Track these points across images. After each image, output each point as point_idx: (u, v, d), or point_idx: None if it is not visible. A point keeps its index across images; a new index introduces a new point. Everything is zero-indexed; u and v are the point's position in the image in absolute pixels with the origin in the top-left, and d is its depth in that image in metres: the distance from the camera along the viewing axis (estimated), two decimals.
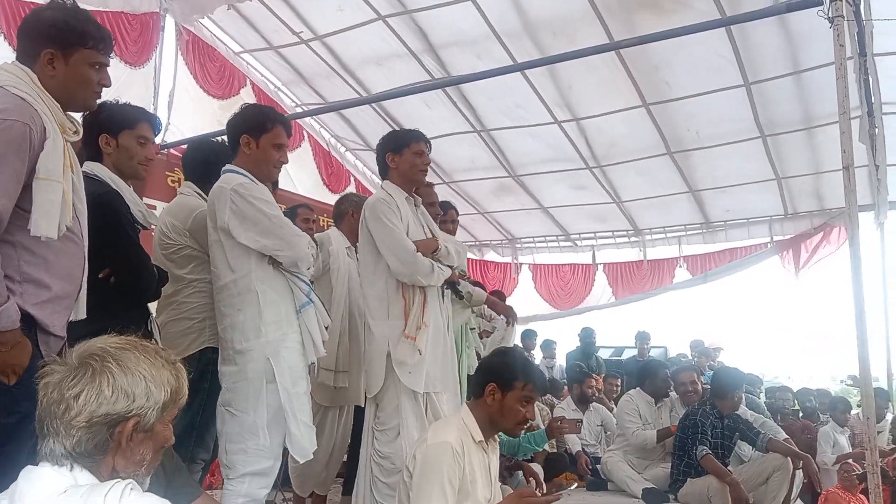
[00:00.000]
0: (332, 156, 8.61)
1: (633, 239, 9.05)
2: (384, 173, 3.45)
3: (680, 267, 8.79)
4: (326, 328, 2.83)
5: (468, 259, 10.10)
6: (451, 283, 3.31)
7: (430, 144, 3.48)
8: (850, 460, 6.09)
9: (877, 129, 6.31)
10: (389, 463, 2.98)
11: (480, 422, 2.52)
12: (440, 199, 4.29)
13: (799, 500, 6.53)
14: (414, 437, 2.88)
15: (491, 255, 10.21)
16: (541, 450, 5.30)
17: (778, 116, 6.62)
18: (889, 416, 6.93)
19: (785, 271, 8.42)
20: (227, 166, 2.78)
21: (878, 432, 6.77)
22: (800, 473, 5.34)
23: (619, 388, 7.18)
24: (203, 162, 3.13)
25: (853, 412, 6.86)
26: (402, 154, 3.34)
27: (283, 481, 3.68)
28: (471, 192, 8.87)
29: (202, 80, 7.03)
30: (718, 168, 7.46)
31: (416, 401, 3.04)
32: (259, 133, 2.77)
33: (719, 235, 8.45)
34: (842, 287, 8.31)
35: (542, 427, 5.01)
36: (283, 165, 2.85)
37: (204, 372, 2.82)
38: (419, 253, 3.10)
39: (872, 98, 5.82)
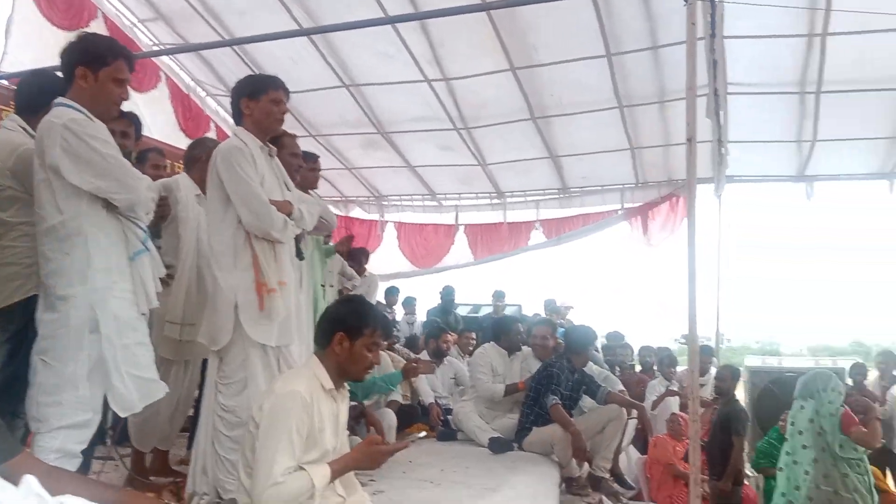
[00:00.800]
0: (191, 99, 8.17)
1: (494, 201, 9.27)
2: (238, 119, 3.29)
3: (536, 229, 9.13)
4: (164, 278, 2.69)
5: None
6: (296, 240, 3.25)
7: (289, 93, 3.36)
8: (678, 411, 6.68)
9: (721, 108, 6.80)
10: (233, 416, 2.92)
11: (329, 370, 2.51)
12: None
13: (632, 445, 7.10)
14: (262, 389, 2.82)
15: (357, 212, 10.13)
16: (394, 389, 5.43)
17: (635, 89, 6.95)
18: (713, 371, 7.58)
19: (633, 238, 8.97)
20: (59, 99, 2.54)
21: (702, 385, 7.45)
22: (633, 422, 5.80)
23: (475, 342, 7.40)
24: (39, 92, 2.82)
25: (679, 368, 7.47)
26: (259, 100, 3.19)
27: (120, 437, 3.51)
28: (338, 146, 8.72)
29: (46, 8, 6.42)
30: (577, 135, 7.75)
31: (266, 354, 2.98)
32: (98, 65, 2.55)
33: (575, 201, 8.83)
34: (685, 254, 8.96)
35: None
36: (133, 106, 2.65)
37: (30, 321, 2.61)
38: (274, 207, 3.00)
39: (719, 77, 6.24)
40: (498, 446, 5.13)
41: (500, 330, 5.91)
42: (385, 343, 4.77)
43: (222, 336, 2.94)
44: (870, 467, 5.15)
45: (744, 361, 9.06)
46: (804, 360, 10.01)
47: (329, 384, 2.49)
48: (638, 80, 6.77)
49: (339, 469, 2.45)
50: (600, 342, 9.58)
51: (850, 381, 7.72)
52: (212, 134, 8.13)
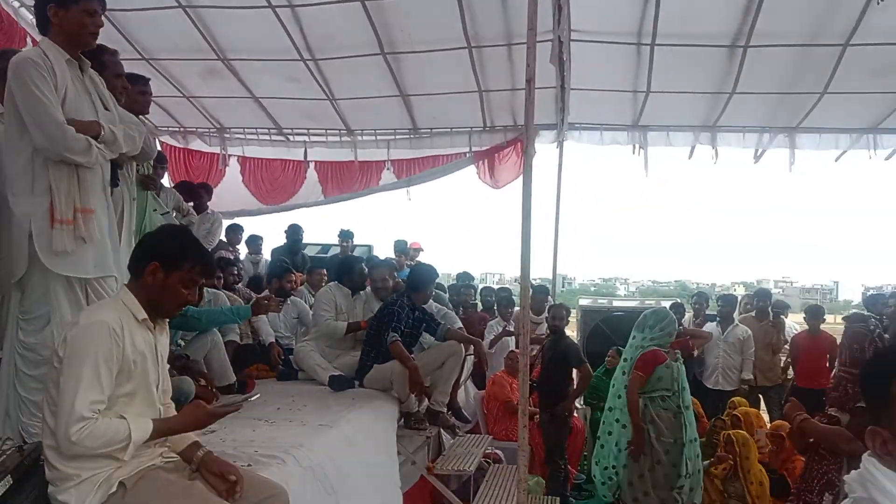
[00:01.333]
0: (1, 9, 7.24)
1: (344, 139, 9.06)
2: (44, 28, 2.95)
3: (387, 170, 9.04)
4: None
5: (169, 145, 9.37)
6: (114, 165, 2.98)
7: (105, 5, 3.05)
8: (516, 348, 6.98)
9: (566, 55, 6.96)
10: (35, 354, 2.68)
11: (141, 302, 2.34)
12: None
13: (470, 380, 7.38)
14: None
15: (197, 144, 9.54)
16: (240, 322, 5.29)
17: (485, 29, 6.94)
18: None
19: (482, 180, 9.12)
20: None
21: (538, 324, 7.83)
22: (472, 358, 5.98)
23: (326, 279, 7.31)
24: None
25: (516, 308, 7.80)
26: (69, 9, 2.87)
27: None
28: (175, 73, 8.10)
29: None
30: (428, 75, 7.67)
31: (71, 287, 2.74)
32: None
33: (425, 142, 8.80)
34: (541, 194, 9.23)
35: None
36: None
37: None
38: (72, 128, 2.71)
39: (563, 24, 6.37)
40: (338, 384, 5.14)
41: (344, 270, 5.88)
42: (207, 281, 4.56)
43: (18, 267, 2.67)
44: (684, 401, 5.61)
45: (578, 301, 9.61)
46: (634, 301, 10.76)
47: (142, 314, 2.32)
48: (486, 21, 6.75)
49: (163, 430, 2.31)
50: (448, 283, 9.81)
51: None
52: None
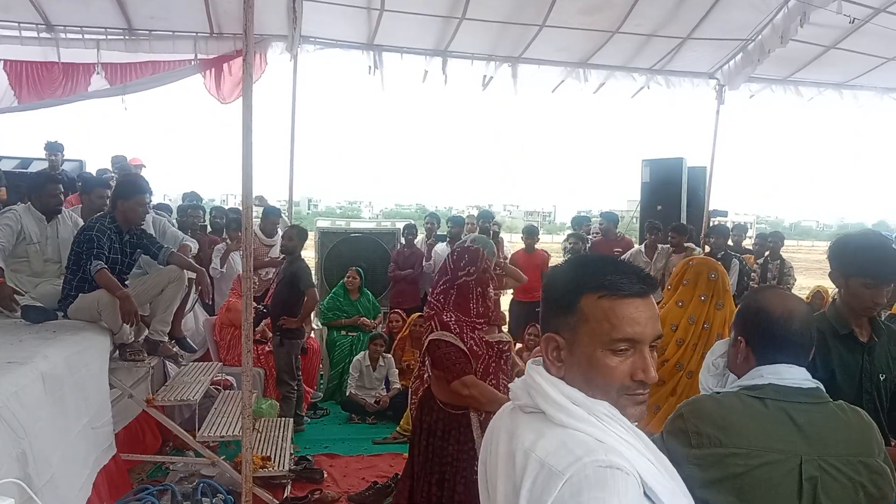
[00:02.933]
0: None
1: (43, 35, 7.77)
2: None
3: (98, 74, 7.97)
4: None
5: None
6: None
7: None
8: None
9: None
10: None
11: None
12: None
13: (200, 306, 7.01)
14: None
15: None
16: None
17: None
18: (280, 232, 7.78)
19: (209, 93, 8.46)
20: None
21: (272, 246, 7.65)
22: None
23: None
24: None
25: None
26: None
27: None
28: None
29: None
30: None
31: None
32: None
33: (143, 45, 7.85)
34: (278, 113, 8.77)
35: None
36: None
37: None
38: None
39: None
40: (34, 315, 4.54)
41: (32, 189, 5.11)
42: None
43: None
44: None
45: (316, 224, 9.51)
46: (373, 222, 10.90)
47: None
48: None
49: None
50: (176, 204, 9.12)
51: (402, 241, 8.64)
52: None
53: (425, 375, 3.44)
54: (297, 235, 6.62)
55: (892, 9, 6.88)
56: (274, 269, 7.76)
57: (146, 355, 4.88)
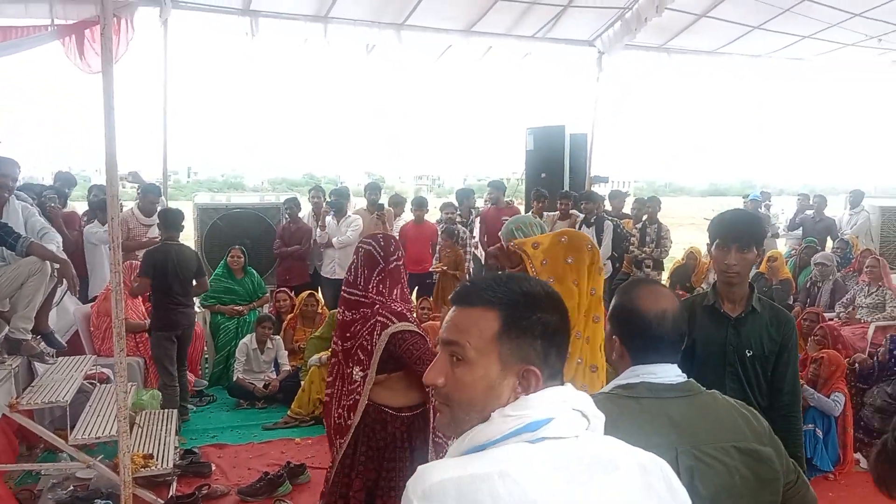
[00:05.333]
0: None
1: None
2: None
3: None
4: None
5: None
6: None
7: None
8: None
9: None
10: None
11: None
12: None
13: (70, 296, 6.52)
14: None
15: None
16: None
17: None
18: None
19: (71, 62, 7.79)
20: None
21: (150, 226, 7.21)
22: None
23: None
24: None
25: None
26: None
27: None
28: None
29: None
30: None
31: None
32: None
33: None
34: (152, 80, 8.15)
35: None
36: None
37: None
38: None
39: None
40: None
41: None
42: None
43: None
44: None
45: (194, 198, 9.03)
46: (256, 195, 10.46)
47: None
48: None
49: None
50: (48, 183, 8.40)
51: (286, 216, 8.34)
52: None
53: (361, 384, 3.07)
54: (166, 223, 6.19)
55: None
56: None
57: (6, 356, 4.48)
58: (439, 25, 8.54)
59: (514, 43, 8.93)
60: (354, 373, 3.06)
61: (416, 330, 3.04)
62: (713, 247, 2.73)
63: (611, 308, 1.96)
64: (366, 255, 3.13)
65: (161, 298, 6.05)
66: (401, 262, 3.19)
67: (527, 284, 1.31)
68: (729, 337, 2.67)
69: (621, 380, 1.86)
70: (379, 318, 3.02)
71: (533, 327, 1.26)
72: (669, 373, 1.82)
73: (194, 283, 6.23)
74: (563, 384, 1.30)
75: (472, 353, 1.25)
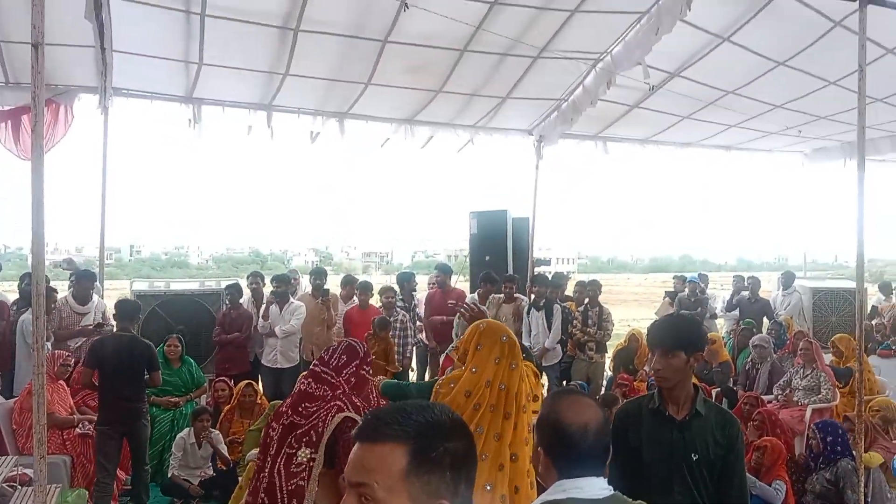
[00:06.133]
0: None
1: None
2: None
3: None
4: None
5: None
6: None
7: None
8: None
9: (105, 13, 6.12)
10: None
11: None
12: None
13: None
14: None
15: None
16: None
17: None
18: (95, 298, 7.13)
19: (5, 147, 7.69)
20: None
21: (85, 314, 6.98)
22: None
23: None
24: None
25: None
26: None
27: None
28: None
29: None
30: None
31: None
32: None
33: None
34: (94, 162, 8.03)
35: None
36: None
37: None
38: None
39: None
40: None
41: None
42: None
43: None
44: None
45: (132, 285, 8.81)
46: (195, 282, 10.17)
47: None
48: None
49: None
50: None
51: (227, 303, 8.17)
52: None
53: (306, 467, 2.94)
54: (121, 313, 6.00)
55: (685, 73, 7.60)
56: (84, 339, 7.07)
57: None
58: (382, 115, 8.72)
59: (456, 131, 9.17)
60: (300, 454, 2.94)
61: None
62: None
63: (536, 419, 1.97)
64: (349, 347, 3.25)
65: (107, 392, 5.80)
66: (370, 371, 3.28)
67: (431, 414, 1.29)
68: (674, 440, 2.65)
69: (547, 496, 1.86)
70: (338, 402, 3.03)
71: (441, 459, 1.24)
72: (594, 486, 1.82)
73: (146, 376, 5.99)
74: None
75: (382, 494, 1.21)
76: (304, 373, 3.30)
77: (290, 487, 2.91)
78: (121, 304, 6.16)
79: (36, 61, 3.47)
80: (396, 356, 8.04)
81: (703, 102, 8.51)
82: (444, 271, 9.27)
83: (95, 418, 6.14)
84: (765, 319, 10.06)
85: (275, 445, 3.01)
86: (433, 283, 9.50)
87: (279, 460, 2.96)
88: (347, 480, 1.26)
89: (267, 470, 2.99)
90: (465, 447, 1.29)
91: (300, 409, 3.02)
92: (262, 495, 2.96)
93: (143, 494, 6.05)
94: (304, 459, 2.92)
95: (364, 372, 3.22)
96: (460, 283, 11.71)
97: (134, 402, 5.87)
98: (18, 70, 7.10)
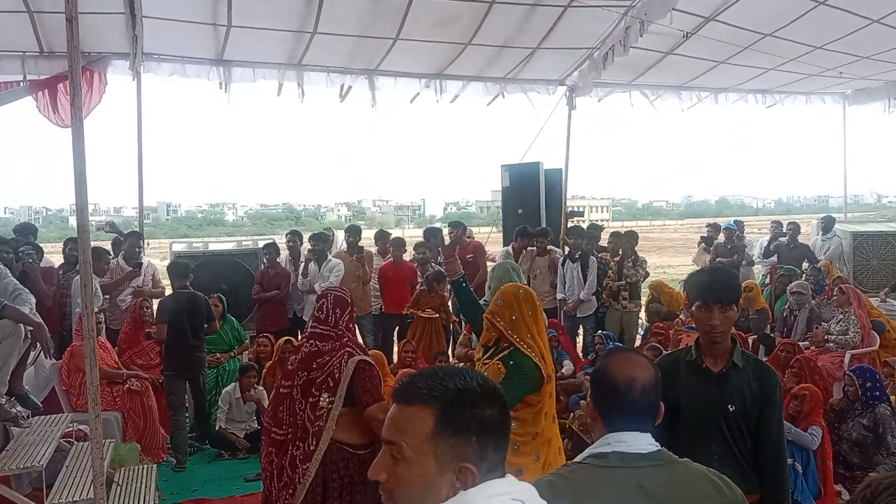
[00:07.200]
0: None
1: None
2: None
3: None
4: None
5: None
6: None
7: None
8: None
9: None
10: None
11: None
12: None
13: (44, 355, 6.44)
14: None
15: None
16: None
17: None
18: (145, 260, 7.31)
19: (43, 116, 7.82)
20: None
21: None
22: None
23: None
24: None
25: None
26: None
27: None
28: None
29: None
30: None
31: None
32: None
33: None
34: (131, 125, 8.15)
35: None
36: None
37: None
38: None
39: None
40: None
41: None
42: None
43: None
44: None
45: (171, 247, 9.01)
46: (233, 241, 10.41)
47: None
48: None
49: None
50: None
51: (265, 261, 8.29)
52: None
53: (326, 411, 3.31)
54: (176, 274, 6.68)
55: (720, 17, 7.39)
56: (131, 297, 7.35)
57: None
58: (411, 70, 8.66)
59: (486, 85, 9.07)
60: (321, 400, 3.31)
61: (374, 364, 3.43)
62: (693, 307, 2.74)
63: (591, 373, 2.01)
64: (338, 299, 3.52)
65: (175, 343, 6.43)
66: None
67: (462, 381, 1.33)
68: (711, 393, 2.67)
69: (594, 448, 1.89)
70: (347, 349, 3.37)
71: (468, 424, 1.29)
72: (641, 442, 1.84)
73: (206, 326, 6.68)
74: (503, 476, 1.32)
75: (409, 453, 1.28)
76: (305, 335, 3.60)
77: (312, 430, 3.32)
78: (173, 266, 6.91)
79: (71, 35, 3.54)
80: None
81: (740, 47, 8.29)
82: (457, 226, 9.18)
83: (143, 375, 6.64)
84: (805, 265, 9.90)
85: (299, 396, 3.40)
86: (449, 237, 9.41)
87: (306, 407, 3.36)
88: (382, 438, 1.35)
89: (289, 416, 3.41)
90: (496, 415, 1.33)
91: (312, 366, 3.38)
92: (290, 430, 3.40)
93: (204, 435, 6.79)
94: (325, 404, 3.30)
95: (351, 314, 3.54)
96: (493, 234, 11.75)
97: (197, 352, 6.58)
98: (52, 39, 7.19)
